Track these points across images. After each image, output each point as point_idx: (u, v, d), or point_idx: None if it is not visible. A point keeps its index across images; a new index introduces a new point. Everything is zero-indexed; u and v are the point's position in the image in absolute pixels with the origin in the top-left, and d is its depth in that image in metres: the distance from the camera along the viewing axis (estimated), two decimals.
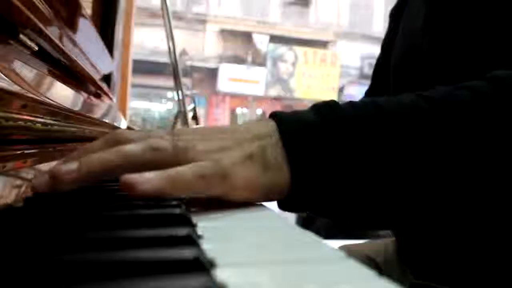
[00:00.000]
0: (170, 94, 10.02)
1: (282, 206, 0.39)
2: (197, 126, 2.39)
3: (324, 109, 0.38)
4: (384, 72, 0.66)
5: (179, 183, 0.32)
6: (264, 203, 0.38)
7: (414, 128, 0.36)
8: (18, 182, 0.38)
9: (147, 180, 0.31)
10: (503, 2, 0.44)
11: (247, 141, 0.36)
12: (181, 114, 2.33)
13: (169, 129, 0.39)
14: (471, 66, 0.45)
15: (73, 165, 0.33)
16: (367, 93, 0.75)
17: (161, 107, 11.23)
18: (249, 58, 11.30)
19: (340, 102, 0.39)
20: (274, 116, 0.39)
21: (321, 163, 0.36)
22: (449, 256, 0.50)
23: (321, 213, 0.39)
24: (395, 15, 0.67)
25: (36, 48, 0.45)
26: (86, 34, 0.75)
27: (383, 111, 0.37)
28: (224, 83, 11.14)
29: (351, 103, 0.38)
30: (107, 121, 0.84)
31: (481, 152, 0.35)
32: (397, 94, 0.40)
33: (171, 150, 0.34)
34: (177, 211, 0.28)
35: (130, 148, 0.34)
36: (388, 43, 0.68)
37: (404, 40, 0.59)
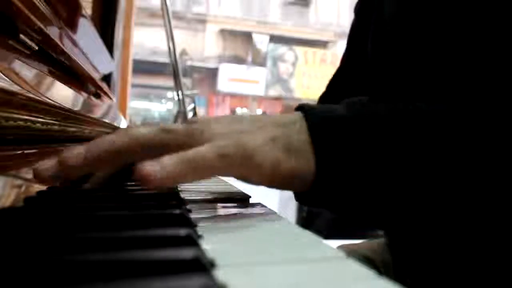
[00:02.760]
0: (170, 94, 10.01)
1: (301, 199, 0.37)
2: None
3: (356, 105, 0.37)
4: (354, 65, 0.65)
5: (200, 165, 0.30)
6: (264, 203, 0.38)
7: (443, 134, 0.35)
8: (18, 182, 0.38)
9: (164, 167, 0.29)
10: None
11: (270, 125, 0.35)
12: (181, 114, 2.33)
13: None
14: (447, 61, 0.44)
15: (81, 149, 0.31)
16: (331, 83, 0.73)
17: (161, 107, 11.23)
18: (249, 58, 11.30)
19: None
20: (300, 108, 0.37)
21: (348, 155, 0.34)
22: (444, 262, 0.50)
23: (340, 209, 0.37)
24: (360, 11, 0.66)
25: (36, 48, 0.45)
26: (86, 34, 0.75)
27: (415, 114, 0.36)
28: (224, 83, 11.13)
29: (382, 104, 0.38)
30: (107, 121, 0.84)
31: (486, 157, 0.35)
32: (375, 86, 0.38)
33: (184, 131, 0.32)
34: (177, 211, 0.28)
35: (140, 130, 0.32)
36: (356, 38, 0.67)
37: (376, 34, 0.58)
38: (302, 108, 0.37)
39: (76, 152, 0.31)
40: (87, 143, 0.33)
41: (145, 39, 9.35)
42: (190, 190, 0.45)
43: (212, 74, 11.25)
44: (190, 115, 2.36)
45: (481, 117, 0.37)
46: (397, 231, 0.48)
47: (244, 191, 0.44)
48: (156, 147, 0.31)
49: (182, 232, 0.22)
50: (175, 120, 2.55)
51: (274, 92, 11.43)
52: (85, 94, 0.73)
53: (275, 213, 0.34)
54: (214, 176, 0.33)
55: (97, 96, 0.90)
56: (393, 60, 0.51)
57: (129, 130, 0.33)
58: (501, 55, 0.41)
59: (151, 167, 0.28)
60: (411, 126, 0.35)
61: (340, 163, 0.34)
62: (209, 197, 0.41)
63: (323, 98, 0.73)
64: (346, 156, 0.34)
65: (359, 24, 0.66)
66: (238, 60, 11.38)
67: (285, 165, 0.33)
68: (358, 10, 0.68)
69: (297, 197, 0.38)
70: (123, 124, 1.13)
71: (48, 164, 0.31)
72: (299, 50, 11.53)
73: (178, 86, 2.26)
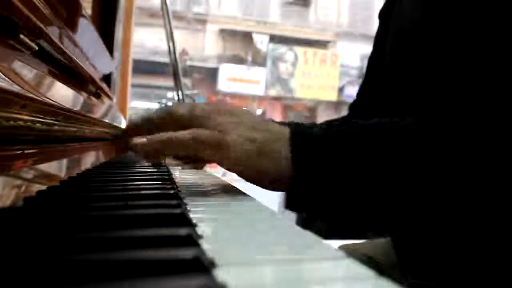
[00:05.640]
0: (170, 94, 10.01)
1: (287, 205, 0.45)
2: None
3: (332, 129, 0.44)
4: (377, 71, 0.66)
5: (175, 144, 0.42)
6: (264, 203, 0.38)
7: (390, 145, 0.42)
8: (18, 182, 0.38)
9: (148, 141, 0.43)
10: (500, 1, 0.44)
11: (259, 129, 0.43)
12: None
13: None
14: (465, 64, 0.46)
15: (143, 140, 0.43)
16: (360, 90, 0.75)
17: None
18: (249, 58, 11.29)
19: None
20: (289, 124, 0.45)
21: (319, 165, 0.42)
22: (445, 256, 0.50)
23: (314, 209, 0.45)
24: (384, 16, 0.67)
25: (36, 48, 0.45)
26: (86, 34, 0.75)
27: (371, 133, 0.43)
28: (224, 83, 11.13)
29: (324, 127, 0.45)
30: (107, 121, 0.84)
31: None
32: (391, 92, 0.43)
33: (187, 111, 0.45)
34: (177, 211, 0.28)
35: (178, 135, 0.43)
36: (379, 43, 0.68)
37: (395, 39, 0.59)
38: (290, 125, 0.45)
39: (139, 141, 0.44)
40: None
41: (145, 39, 9.35)
42: (192, 190, 0.45)
43: (212, 74, 11.25)
44: None
45: (451, 130, 0.41)
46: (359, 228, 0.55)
47: (244, 191, 0.44)
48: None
49: (182, 232, 0.22)
50: None
51: (274, 92, 11.43)
52: (85, 94, 0.73)
53: (275, 213, 0.34)
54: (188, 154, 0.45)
55: (97, 96, 0.90)
56: (413, 63, 0.53)
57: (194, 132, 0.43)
58: None
59: (140, 141, 0.43)
60: (367, 142, 0.42)
61: (313, 171, 0.42)
62: (210, 197, 0.41)
63: (354, 106, 0.75)
64: (317, 167, 0.42)
65: (382, 29, 0.68)
66: (238, 60, 11.38)
67: (251, 163, 0.42)
68: (381, 14, 0.69)
69: (285, 204, 0.45)
70: (123, 124, 1.13)
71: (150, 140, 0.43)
72: (299, 50, 11.53)
73: (178, 86, 2.26)
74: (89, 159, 0.71)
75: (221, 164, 0.44)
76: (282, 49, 11.54)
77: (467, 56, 0.45)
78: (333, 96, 11.20)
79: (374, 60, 0.71)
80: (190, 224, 0.26)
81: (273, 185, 0.44)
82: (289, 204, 0.45)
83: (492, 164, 0.39)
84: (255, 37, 11.37)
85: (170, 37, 2.21)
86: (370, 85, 0.72)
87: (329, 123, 0.48)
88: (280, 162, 0.42)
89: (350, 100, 0.79)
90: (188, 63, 10.33)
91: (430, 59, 0.50)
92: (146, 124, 0.48)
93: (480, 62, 0.44)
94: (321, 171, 0.42)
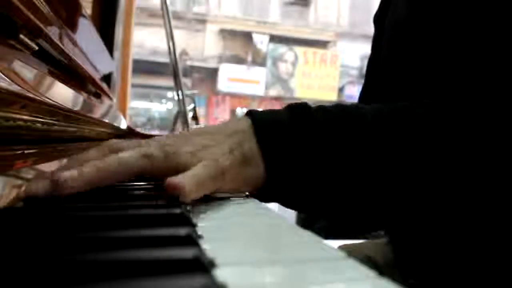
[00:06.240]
0: (170, 94, 10.02)
1: (259, 197, 0.42)
2: (196, 126, 2.39)
3: (296, 110, 0.41)
4: (376, 72, 0.66)
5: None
6: (264, 204, 0.38)
7: (378, 130, 0.40)
8: (18, 182, 0.38)
9: (81, 173, 0.34)
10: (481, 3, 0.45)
11: (226, 137, 0.40)
12: (181, 114, 2.33)
13: (156, 138, 0.42)
14: (456, 60, 0.46)
15: (74, 173, 0.34)
16: (361, 94, 0.75)
17: (161, 107, 11.23)
18: (249, 58, 11.29)
19: (312, 105, 0.43)
20: (249, 113, 0.42)
21: (291, 157, 0.39)
22: (443, 257, 0.50)
23: (292, 206, 0.43)
24: (379, 20, 0.67)
25: (36, 48, 0.45)
26: (86, 34, 0.75)
27: (350, 116, 0.41)
28: (224, 83, 11.13)
29: (322, 107, 0.43)
30: (107, 121, 0.84)
31: (419, 162, 0.40)
32: (388, 91, 0.42)
33: (162, 156, 0.37)
34: (177, 211, 0.28)
35: (124, 155, 0.36)
36: (376, 47, 0.68)
37: (388, 36, 0.59)
38: (250, 113, 0.42)
39: (67, 177, 0.33)
40: (75, 162, 0.37)
41: (145, 39, 9.35)
42: None
43: (212, 74, 11.25)
44: (190, 115, 2.36)
45: (456, 116, 0.40)
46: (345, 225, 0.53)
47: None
48: (138, 170, 0.36)
49: (182, 232, 0.22)
50: (175, 120, 2.55)
51: (274, 92, 11.43)
52: (85, 94, 0.73)
53: (275, 213, 0.34)
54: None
55: (97, 96, 0.90)
56: (404, 61, 0.53)
57: (114, 156, 0.36)
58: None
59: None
60: (346, 127, 0.40)
61: (285, 165, 0.39)
62: (209, 197, 0.41)
63: (363, 93, 0.75)
64: (289, 159, 0.39)
65: (378, 32, 0.68)
66: (238, 60, 11.38)
67: (239, 171, 0.39)
68: (376, 19, 0.69)
69: (256, 195, 0.42)
70: (123, 124, 1.13)
71: (40, 185, 0.33)
72: (299, 50, 11.53)
73: (178, 86, 2.26)
74: None
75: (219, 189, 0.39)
76: (282, 49, 11.54)
77: (464, 46, 0.45)
78: (333, 96, 11.19)
79: (372, 63, 0.71)
80: (190, 224, 0.26)
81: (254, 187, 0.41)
82: (262, 196, 0.42)
83: (494, 160, 0.39)
84: (255, 37, 11.37)
85: (170, 37, 2.21)
86: (371, 89, 0.72)
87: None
88: (258, 160, 0.40)
89: (350, 100, 0.79)
90: (188, 63, 10.33)
91: (419, 55, 0.50)
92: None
93: (477, 50, 0.44)
94: (298, 163, 0.39)
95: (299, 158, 0.40)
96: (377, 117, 0.41)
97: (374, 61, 0.70)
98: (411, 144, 0.40)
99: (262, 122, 0.41)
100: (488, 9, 0.43)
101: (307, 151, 0.40)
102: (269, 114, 0.42)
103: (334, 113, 0.42)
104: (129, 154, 0.36)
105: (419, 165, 0.40)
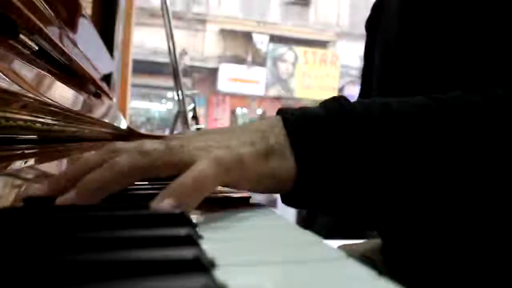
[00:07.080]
0: (170, 94, 10.01)
1: (286, 200, 0.38)
2: (197, 126, 2.39)
3: (332, 104, 0.38)
4: (369, 81, 0.66)
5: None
6: (265, 204, 0.38)
7: (419, 128, 0.36)
8: (18, 182, 0.38)
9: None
10: (472, 12, 0.45)
11: (248, 132, 0.36)
12: (181, 114, 2.33)
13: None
14: (447, 74, 0.46)
15: (72, 194, 0.32)
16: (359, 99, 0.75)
17: (161, 107, 11.23)
18: (249, 58, 11.29)
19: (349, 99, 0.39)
20: (279, 111, 0.39)
21: (326, 154, 0.35)
22: (440, 263, 0.50)
23: (324, 208, 0.38)
24: (370, 27, 0.67)
25: (36, 48, 0.45)
26: (86, 34, 0.75)
27: (390, 110, 0.37)
28: (224, 83, 11.13)
29: (360, 101, 0.39)
30: (107, 121, 0.84)
31: (487, 155, 0.36)
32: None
33: (162, 149, 0.33)
34: (177, 211, 0.28)
35: (119, 160, 0.32)
36: (368, 55, 0.68)
37: (381, 50, 0.59)
38: (281, 111, 0.38)
39: (66, 198, 0.32)
40: (75, 169, 0.34)
41: (145, 39, 9.34)
42: None
43: (212, 74, 11.25)
44: (190, 115, 2.36)
45: (469, 115, 0.37)
46: (380, 227, 0.49)
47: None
48: (137, 174, 0.33)
49: (182, 232, 0.22)
50: (175, 120, 2.55)
51: (274, 92, 11.42)
52: (85, 94, 0.73)
53: (275, 213, 0.34)
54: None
55: (97, 96, 0.90)
56: (397, 75, 0.53)
57: (110, 162, 0.33)
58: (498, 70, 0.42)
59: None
60: (385, 122, 0.36)
61: (319, 163, 0.35)
62: (209, 197, 0.41)
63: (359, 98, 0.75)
64: (323, 155, 0.35)
65: (370, 39, 0.68)
66: (238, 60, 11.37)
67: (264, 167, 0.34)
68: (368, 26, 0.69)
69: (283, 198, 0.38)
70: (123, 124, 1.13)
71: (40, 188, 0.32)
72: (299, 50, 11.53)
73: (178, 86, 2.26)
74: None
75: (237, 186, 0.35)
76: (282, 49, 11.53)
77: (444, 68, 0.46)
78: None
79: (366, 72, 0.71)
80: (190, 224, 0.26)
81: (281, 187, 0.37)
82: (291, 200, 0.38)
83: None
84: (255, 37, 11.36)
85: (170, 37, 2.21)
86: (367, 97, 0.72)
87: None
88: (287, 155, 0.35)
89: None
90: (188, 63, 10.32)
91: (410, 72, 0.51)
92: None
93: (457, 72, 0.44)
94: (331, 160, 0.35)
95: (337, 151, 0.35)
96: (425, 114, 0.37)
97: (367, 69, 0.70)
98: (466, 140, 0.36)
99: (292, 116, 0.37)
100: (480, 28, 0.44)
101: (342, 148, 0.35)
102: (300, 109, 0.38)
103: (374, 107, 0.38)
104: (126, 156, 0.33)
105: (476, 163, 0.36)
